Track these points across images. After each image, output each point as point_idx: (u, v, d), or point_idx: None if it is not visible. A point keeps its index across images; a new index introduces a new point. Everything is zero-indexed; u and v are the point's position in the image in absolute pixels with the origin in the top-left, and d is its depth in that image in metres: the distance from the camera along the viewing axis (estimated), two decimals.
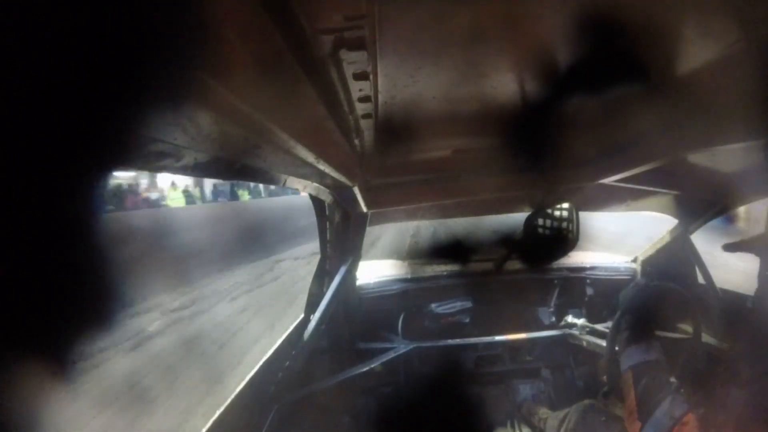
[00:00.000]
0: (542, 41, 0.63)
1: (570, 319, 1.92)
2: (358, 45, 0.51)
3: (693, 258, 1.69)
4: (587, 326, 1.83)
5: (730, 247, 1.38)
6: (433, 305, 1.90)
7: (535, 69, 0.73)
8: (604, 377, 1.56)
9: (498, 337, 1.85)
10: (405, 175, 1.32)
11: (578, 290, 2.02)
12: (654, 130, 0.96)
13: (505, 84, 0.78)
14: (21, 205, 0.25)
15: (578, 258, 2.09)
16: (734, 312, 1.47)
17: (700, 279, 1.69)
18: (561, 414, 1.58)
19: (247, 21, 0.38)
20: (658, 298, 1.55)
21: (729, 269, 1.70)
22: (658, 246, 1.87)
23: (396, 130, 0.92)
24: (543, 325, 1.96)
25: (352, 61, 0.55)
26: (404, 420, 1.60)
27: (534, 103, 0.85)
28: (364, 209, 1.41)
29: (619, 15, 0.54)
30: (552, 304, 1.99)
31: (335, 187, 1.17)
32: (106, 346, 3.63)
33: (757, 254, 1.34)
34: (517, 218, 1.53)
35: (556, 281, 2.00)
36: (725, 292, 1.60)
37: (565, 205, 1.39)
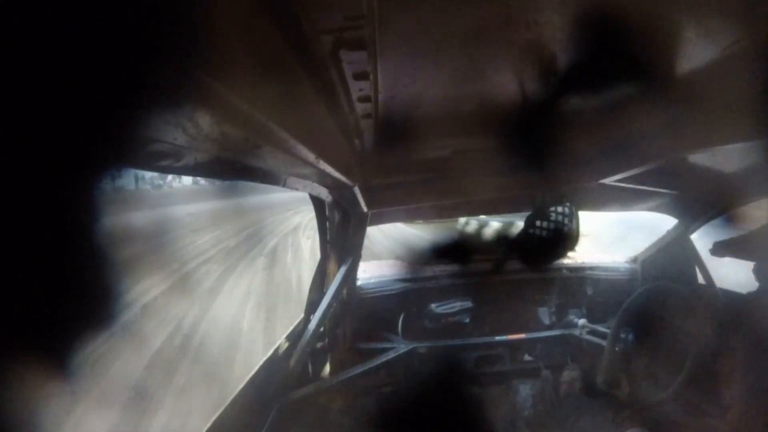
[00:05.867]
0: (542, 41, 0.63)
1: (570, 319, 1.92)
2: (358, 45, 0.51)
3: (693, 258, 1.69)
4: (587, 326, 1.82)
5: (718, 250, 1.38)
6: (433, 305, 1.90)
7: (535, 69, 0.73)
8: (604, 377, 1.56)
9: (498, 337, 1.85)
10: (405, 175, 1.32)
11: (578, 290, 2.01)
12: (654, 130, 0.96)
13: (505, 84, 0.78)
14: (22, 204, 0.25)
15: (578, 258, 2.09)
16: (734, 312, 1.47)
17: (700, 279, 1.69)
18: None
19: (248, 21, 0.38)
20: (659, 299, 1.55)
21: None
22: (658, 246, 1.87)
23: (396, 130, 0.92)
24: (543, 325, 1.95)
25: (352, 61, 0.55)
26: (404, 420, 1.60)
27: (534, 103, 0.85)
28: (364, 209, 1.41)
29: (619, 15, 0.54)
30: (552, 304, 1.99)
31: (335, 187, 1.17)
32: None
33: (749, 256, 1.34)
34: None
35: (556, 281, 2.00)
36: (725, 292, 1.60)
37: (565, 205, 1.39)
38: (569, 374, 1.77)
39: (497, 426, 1.77)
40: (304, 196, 1.24)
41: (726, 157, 1.14)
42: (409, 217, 1.80)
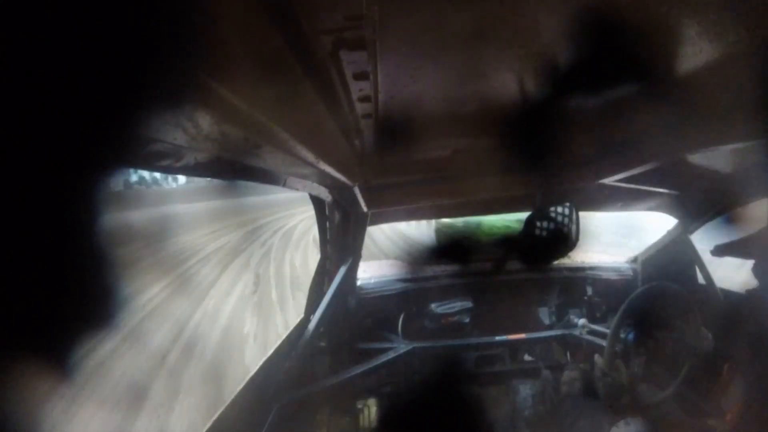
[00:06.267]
0: (542, 41, 0.63)
1: (570, 319, 1.92)
2: (358, 45, 0.51)
3: (693, 258, 1.69)
4: (587, 326, 1.83)
5: (720, 250, 1.38)
6: (433, 305, 1.90)
7: (535, 69, 0.73)
8: (604, 377, 1.56)
9: (498, 337, 1.85)
10: (405, 175, 1.32)
11: (578, 290, 2.01)
12: (654, 130, 0.96)
13: (504, 84, 0.78)
14: (22, 204, 0.25)
15: (578, 258, 2.09)
16: (734, 312, 1.47)
17: (700, 279, 1.69)
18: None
19: (247, 21, 0.38)
20: (659, 299, 1.55)
21: None
22: (658, 246, 1.87)
23: (396, 130, 0.92)
24: (543, 325, 1.95)
25: (352, 61, 0.55)
26: (404, 420, 1.60)
27: (534, 103, 0.85)
28: (364, 209, 1.41)
29: (619, 15, 0.54)
30: (552, 304, 1.99)
31: (335, 187, 1.17)
32: None
33: (751, 256, 1.34)
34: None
35: (556, 281, 2.00)
36: (725, 292, 1.60)
37: (565, 205, 1.39)
38: (569, 374, 1.77)
39: (497, 426, 1.78)
40: (304, 196, 1.24)
41: (726, 157, 1.14)
42: (409, 217, 1.79)
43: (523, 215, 1.41)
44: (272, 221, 10.60)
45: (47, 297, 0.27)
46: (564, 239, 1.38)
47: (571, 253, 1.84)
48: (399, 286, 1.92)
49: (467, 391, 1.80)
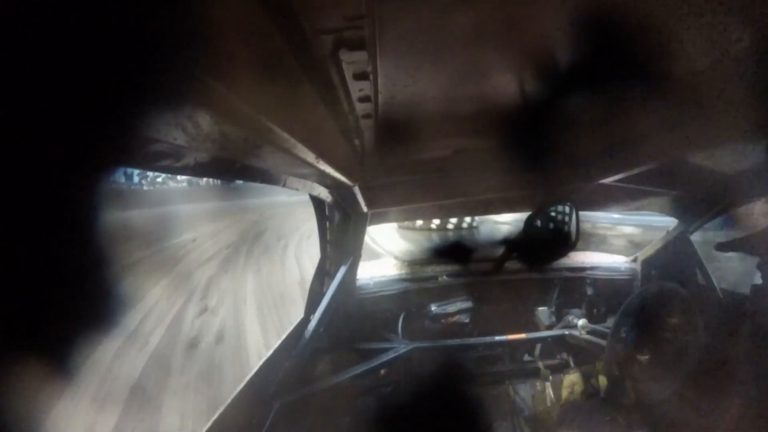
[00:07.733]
0: (542, 41, 0.63)
1: (570, 319, 1.92)
2: (358, 45, 0.51)
3: (693, 258, 1.69)
4: (587, 326, 1.83)
5: (723, 247, 1.38)
6: (433, 305, 1.90)
7: (534, 69, 0.73)
8: (604, 377, 1.56)
9: (498, 337, 1.85)
10: (405, 175, 1.32)
11: (578, 290, 2.02)
12: (654, 130, 0.96)
13: (505, 84, 0.78)
14: (23, 203, 0.25)
15: (578, 258, 2.09)
16: (734, 312, 1.47)
17: (700, 279, 1.69)
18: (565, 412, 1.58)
19: (248, 22, 0.38)
20: (659, 299, 1.55)
21: None
22: (658, 246, 1.87)
23: (396, 130, 0.92)
24: (543, 325, 1.95)
25: (352, 61, 0.55)
26: (404, 420, 1.60)
27: (534, 103, 0.85)
28: (364, 209, 1.41)
29: (619, 15, 0.54)
30: (552, 304, 1.99)
31: (335, 187, 1.17)
32: None
33: (753, 253, 1.34)
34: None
35: (556, 281, 2.00)
36: (725, 292, 1.60)
37: (566, 205, 1.39)
38: (570, 378, 1.77)
39: (497, 426, 1.77)
40: (305, 198, 1.24)
41: (726, 157, 1.14)
42: (409, 217, 1.80)
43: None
44: (274, 221, 10.61)
45: (47, 296, 0.27)
46: (564, 239, 1.38)
47: (571, 253, 1.85)
48: (399, 286, 1.92)
49: (467, 391, 1.80)
